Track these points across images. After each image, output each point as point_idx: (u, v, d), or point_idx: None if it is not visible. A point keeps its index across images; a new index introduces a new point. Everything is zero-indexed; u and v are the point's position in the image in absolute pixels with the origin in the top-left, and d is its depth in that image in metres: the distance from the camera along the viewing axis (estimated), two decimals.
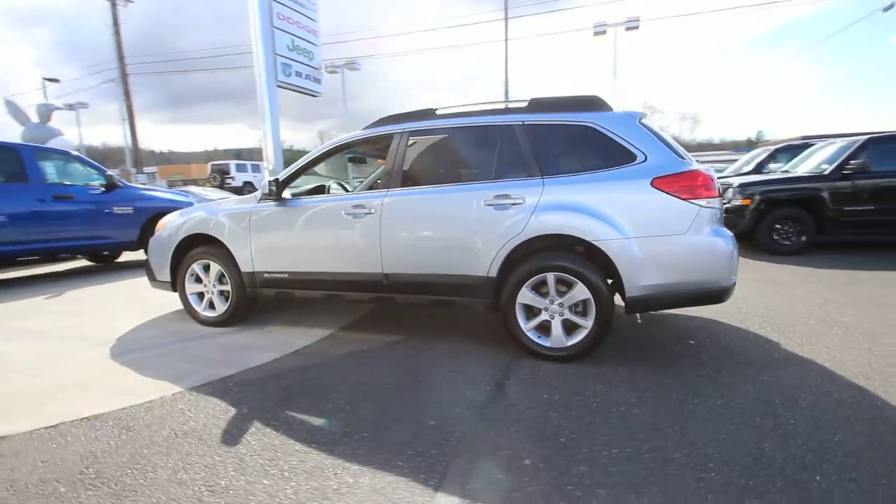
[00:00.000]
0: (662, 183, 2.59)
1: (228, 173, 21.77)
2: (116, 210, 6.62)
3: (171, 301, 4.44)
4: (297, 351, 3.17)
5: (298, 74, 17.03)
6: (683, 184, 2.57)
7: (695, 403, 2.29)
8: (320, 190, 4.01)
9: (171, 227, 3.86)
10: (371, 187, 4.45)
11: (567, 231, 2.69)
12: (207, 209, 3.78)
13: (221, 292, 3.74)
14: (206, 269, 3.74)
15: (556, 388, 2.48)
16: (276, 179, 3.36)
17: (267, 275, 3.50)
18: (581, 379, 2.60)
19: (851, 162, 6.14)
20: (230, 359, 3.02)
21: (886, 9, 18.20)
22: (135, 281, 5.83)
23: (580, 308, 2.79)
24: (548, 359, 2.84)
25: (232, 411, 2.30)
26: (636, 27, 20.77)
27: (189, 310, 3.83)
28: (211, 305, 3.78)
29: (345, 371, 2.79)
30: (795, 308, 3.89)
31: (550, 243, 2.81)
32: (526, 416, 2.20)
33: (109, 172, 6.66)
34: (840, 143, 6.74)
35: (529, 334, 2.89)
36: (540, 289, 2.85)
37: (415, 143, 3.20)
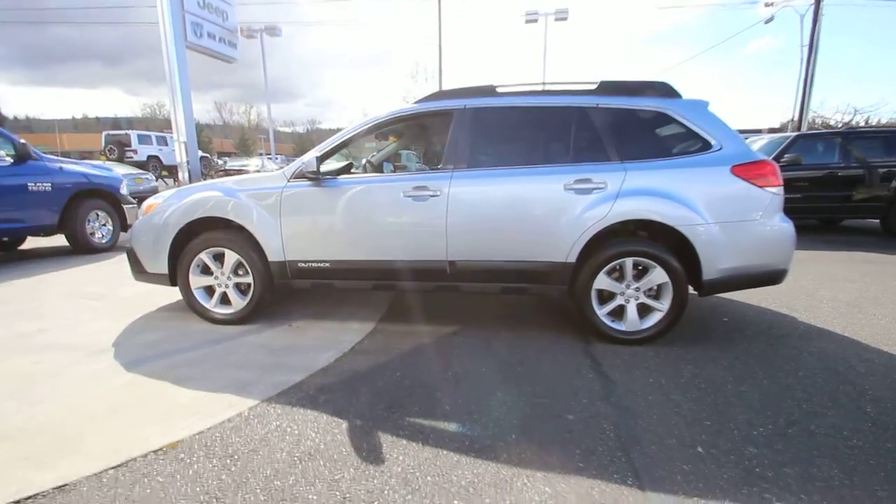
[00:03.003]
0: (741, 171, 2.71)
1: (129, 145, 18.83)
2: (31, 187, 5.40)
3: (139, 295, 3.78)
4: (355, 349, 2.85)
5: (211, 36, 15.20)
6: (759, 172, 2.71)
7: (782, 377, 2.47)
8: (348, 169, 3.60)
9: (166, 209, 3.21)
10: (377, 168, 4.12)
11: (651, 216, 2.71)
12: (221, 188, 3.20)
13: (238, 285, 3.22)
14: (218, 258, 3.19)
15: (656, 372, 2.52)
16: (319, 156, 2.94)
17: (303, 264, 3.08)
18: (668, 361, 2.67)
19: (786, 155, 7.03)
20: (285, 362, 2.63)
21: (767, 21, 20.92)
22: (68, 272, 4.86)
23: (653, 292, 2.86)
24: (621, 342, 2.88)
25: (342, 423, 2.00)
26: (565, 18, 21.66)
27: (195, 306, 3.26)
28: (224, 301, 3.25)
29: (430, 368, 2.57)
30: (776, 287, 4.38)
31: (629, 228, 2.82)
32: (653, 401, 2.21)
33: (22, 141, 5.38)
34: (769, 138, 7.66)
35: (604, 319, 2.89)
36: (614, 273, 2.86)
37: (478, 120, 2.98)
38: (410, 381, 2.39)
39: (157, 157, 19.56)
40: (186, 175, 13.76)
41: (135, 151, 18.80)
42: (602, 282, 2.85)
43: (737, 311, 3.57)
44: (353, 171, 3.74)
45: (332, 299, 3.82)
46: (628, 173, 2.76)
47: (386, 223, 2.98)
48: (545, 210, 2.82)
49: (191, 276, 3.21)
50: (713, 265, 2.75)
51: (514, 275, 2.93)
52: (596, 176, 2.78)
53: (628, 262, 2.80)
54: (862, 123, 18.95)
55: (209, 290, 3.27)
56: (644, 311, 2.88)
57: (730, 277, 2.79)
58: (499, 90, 3.03)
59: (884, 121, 19.53)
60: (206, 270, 3.23)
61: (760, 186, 2.71)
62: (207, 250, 3.17)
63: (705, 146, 2.79)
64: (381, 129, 3.19)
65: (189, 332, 3.08)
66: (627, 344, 2.87)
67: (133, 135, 19.47)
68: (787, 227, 2.78)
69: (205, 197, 3.17)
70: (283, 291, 3.35)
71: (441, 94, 3.11)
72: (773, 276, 2.85)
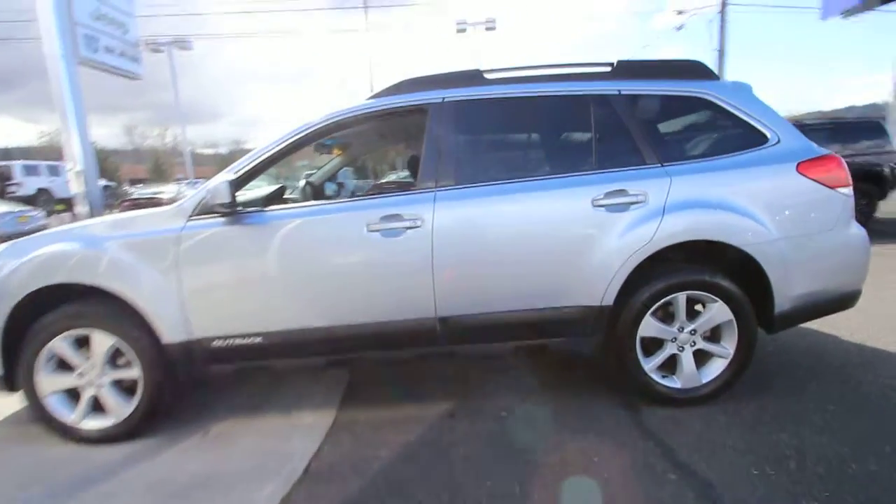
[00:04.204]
0: (808, 169, 2.09)
1: (10, 179, 15.98)
2: None
3: None
4: (311, 470, 1.87)
5: (109, 50, 13.56)
6: (828, 169, 2.11)
7: (880, 420, 1.85)
8: (280, 195, 2.61)
9: None
10: (315, 191, 3.16)
11: (711, 236, 2.02)
12: (82, 236, 2.11)
13: (117, 383, 2.13)
14: (83, 344, 2.09)
15: (748, 451, 1.80)
16: (233, 180, 1.95)
17: (220, 342, 2.06)
18: (748, 428, 1.97)
19: None
20: None
21: (679, 28, 22.19)
22: None
23: (708, 333, 2.16)
24: (678, 404, 2.15)
25: None
26: (493, 28, 21.66)
27: (50, 420, 2.11)
28: (97, 408, 2.13)
29: (433, 489, 1.66)
30: None
31: (680, 253, 2.11)
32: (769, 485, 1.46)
33: None
34: None
35: (654, 376, 2.15)
36: (661, 313, 2.13)
37: (464, 118, 2.16)
38: None
39: (46, 190, 16.82)
40: (87, 208, 11.84)
41: (18, 185, 16.01)
42: (648, 327, 2.11)
43: (776, 337, 2.99)
44: (287, 197, 2.76)
45: (270, 376, 2.78)
46: (673, 179, 2.05)
47: (344, 272, 2.05)
48: (569, 237, 2.04)
49: (40, 374, 2.07)
50: (786, 293, 2.10)
51: (531, 328, 2.12)
52: (632, 185, 2.04)
53: (681, 298, 2.08)
54: None
55: (72, 395, 2.14)
56: (701, 359, 2.17)
57: (803, 307, 2.16)
58: (487, 76, 2.22)
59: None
60: (64, 365, 2.10)
61: (831, 187, 2.11)
62: (65, 334, 2.05)
63: (760, 140, 2.16)
64: (319, 139, 2.25)
65: (39, 465, 1.94)
66: (684, 405, 2.15)
67: (16, 166, 16.61)
68: (862, 236, 2.20)
69: (56, 253, 2.05)
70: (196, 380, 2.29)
71: (406, 85, 2.24)
72: (847, 300, 2.26)
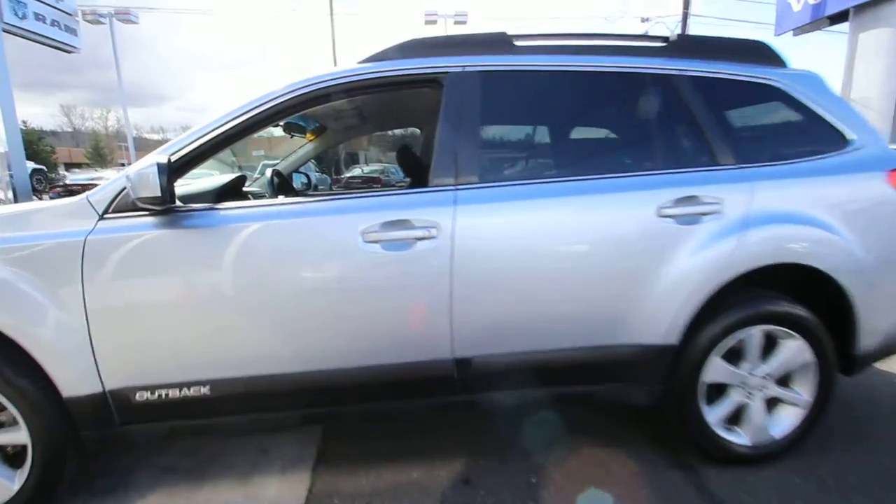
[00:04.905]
0: None
1: None
2: None
3: None
4: None
5: (40, 18, 12.34)
6: None
7: None
8: (237, 188, 2.00)
9: None
10: (284, 185, 2.55)
11: (803, 258, 1.61)
12: None
13: None
14: None
15: None
16: (167, 163, 1.34)
17: (148, 394, 1.45)
18: (826, 491, 1.58)
19: None
20: None
21: (644, 20, 22.57)
22: None
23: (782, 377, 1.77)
24: (744, 461, 1.75)
25: None
26: (464, 22, 21.22)
27: None
28: None
29: None
30: None
31: (758, 279, 1.69)
32: None
33: None
34: None
35: (718, 429, 1.73)
36: (729, 353, 1.71)
37: (492, 94, 1.64)
38: None
39: None
40: (10, 194, 10.48)
41: None
42: (715, 370, 1.68)
43: None
44: (248, 190, 2.15)
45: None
46: (755, 185, 1.63)
47: (329, 297, 1.49)
48: (629, 255, 1.57)
49: None
50: (873, 326, 1.73)
51: (572, 372, 1.64)
52: (705, 191, 1.60)
53: (755, 333, 1.67)
54: None
55: None
56: (770, 407, 1.77)
57: (890, 343, 1.81)
58: (518, 43, 1.71)
59: None
60: None
61: None
62: None
63: (840, 142, 1.77)
64: (286, 115, 1.65)
65: None
66: (751, 462, 1.75)
67: None
68: None
69: None
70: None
71: (411, 48, 1.69)
72: None
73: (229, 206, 1.52)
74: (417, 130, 3.42)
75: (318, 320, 1.48)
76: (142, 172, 1.27)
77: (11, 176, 9.85)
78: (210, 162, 1.71)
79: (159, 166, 1.27)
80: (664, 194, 1.58)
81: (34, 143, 28.34)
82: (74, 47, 11.62)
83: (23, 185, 9.96)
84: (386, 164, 17.70)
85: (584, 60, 1.69)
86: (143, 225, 1.42)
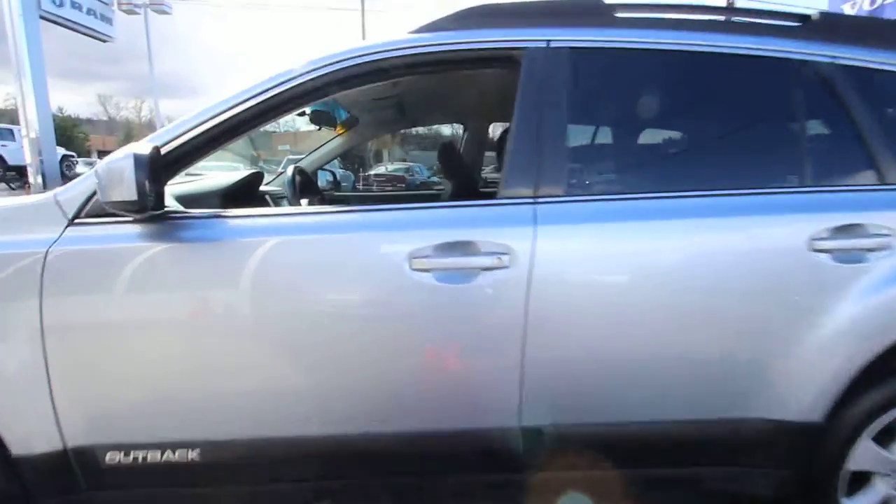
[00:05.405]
0: None
1: None
2: None
3: None
4: None
5: (77, 6, 12.39)
6: None
7: None
8: (250, 190, 1.65)
9: None
10: (308, 186, 2.19)
11: None
12: None
13: None
14: None
15: None
16: (154, 154, 0.98)
17: (121, 456, 1.10)
18: None
19: None
20: None
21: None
22: None
23: None
24: None
25: None
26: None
27: None
28: None
29: None
30: None
31: None
32: None
33: None
34: None
35: None
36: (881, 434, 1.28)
37: (586, 77, 1.24)
38: None
39: None
40: (39, 178, 10.55)
41: None
42: (865, 455, 1.25)
43: None
44: (264, 190, 1.80)
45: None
46: None
47: (362, 341, 1.12)
48: (767, 301, 1.16)
49: None
50: None
51: (676, 451, 1.24)
52: (873, 218, 1.18)
53: None
54: None
55: None
56: None
57: None
58: (619, 14, 1.31)
59: None
60: None
61: None
62: None
63: None
64: (309, 100, 1.27)
65: None
66: None
67: None
68: None
69: None
70: None
71: (476, 16, 1.29)
72: None
73: (239, 214, 1.16)
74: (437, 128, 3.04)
75: (348, 372, 1.12)
76: (113, 167, 0.92)
77: (42, 161, 9.91)
78: (229, 156, 1.37)
79: (137, 159, 0.92)
80: (817, 221, 1.16)
81: (68, 130, 29.10)
82: (109, 36, 11.70)
83: (52, 170, 10.01)
84: (410, 164, 17.35)
85: (707, 40, 1.28)
86: (123, 235, 1.07)
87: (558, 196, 1.15)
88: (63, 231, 1.07)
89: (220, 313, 1.11)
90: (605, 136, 1.38)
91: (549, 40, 1.24)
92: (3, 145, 15.93)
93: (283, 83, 1.14)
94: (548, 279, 1.10)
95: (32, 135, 10.01)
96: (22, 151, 10.84)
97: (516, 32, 1.26)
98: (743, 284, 1.15)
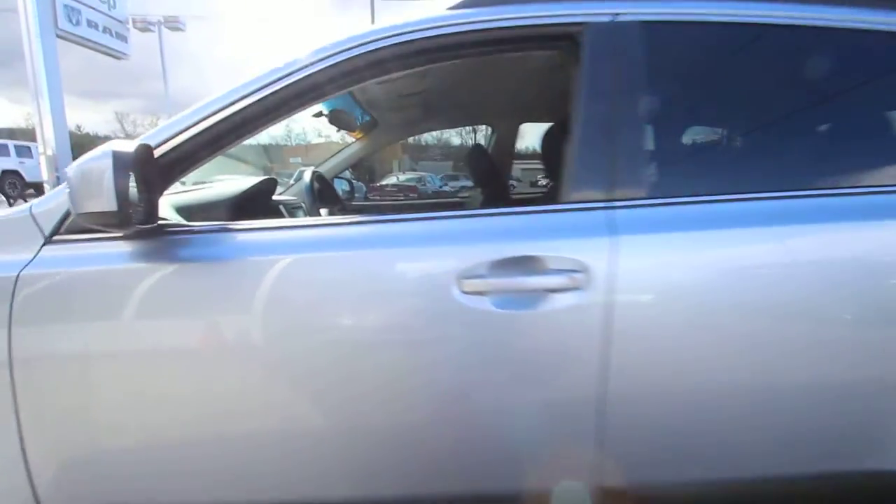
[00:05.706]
0: None
1: None
2: None
3: None
4: None
5: (93, 25, 12.58)
6: None
7: None
8: (264, 199, 1.45)
9: None
10: (327, 195, 1.99)
11: None
12: None
13: None
14: None
15: None
16: (132, 152, 0.78)
17: None
18: None
19: None
20: None
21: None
22: None
23: None
24: None
25: None
26: None
27: None
28: None
29: None
30: None
31: None
32: None
33: None
34: None
35: None
36: None
37: (663, 57, 1.03)
38: None
39: (15, 173, 15.34)
40: None
41: None
42: None
43: None
44: (278, 199, 1.61)
45: None
46: None
47: (401, 383, 0.90)
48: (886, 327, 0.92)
49: None
50: None
51: None
52: None
53: None
54: None
55: None
56: None
57: None
58: None
59: None
60: None
61: None
62: None
63: None
64: (322, 95, 1.06)
65: None
66: None
67: None
68: None
69: None
70: None
71: None
72: None
73: (249, 227, 0.96)
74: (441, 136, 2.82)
75: (387, 425, 0.90)
76: (86, 168, 0.73)
77: (59, 178, 9.99)
78: (242, 168, 1.17)
79: (117, 158, 0.72)
80: None
81: (86, 147, 29.72)
82: (124, 53, 11.86)
83: None
84: (422, 173, 17.22)
85: (816, 12, 1.05)
86: (107, 255, 0.88)
87: (639, 198, 0.93)
88: (39, 251, 0.88)
89: (225, 348, 0.90)
90: (695, 130, 1.16)
91: (616, 13, 1.03)
92: (21, 162, 16.22)
93: (306, 66, 0.95)
94: (633, 302, 0.88)
95: (49, 152, 10.12)
96: (39, 168, 10.95)
97: (573, 6, 1.05)
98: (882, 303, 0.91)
